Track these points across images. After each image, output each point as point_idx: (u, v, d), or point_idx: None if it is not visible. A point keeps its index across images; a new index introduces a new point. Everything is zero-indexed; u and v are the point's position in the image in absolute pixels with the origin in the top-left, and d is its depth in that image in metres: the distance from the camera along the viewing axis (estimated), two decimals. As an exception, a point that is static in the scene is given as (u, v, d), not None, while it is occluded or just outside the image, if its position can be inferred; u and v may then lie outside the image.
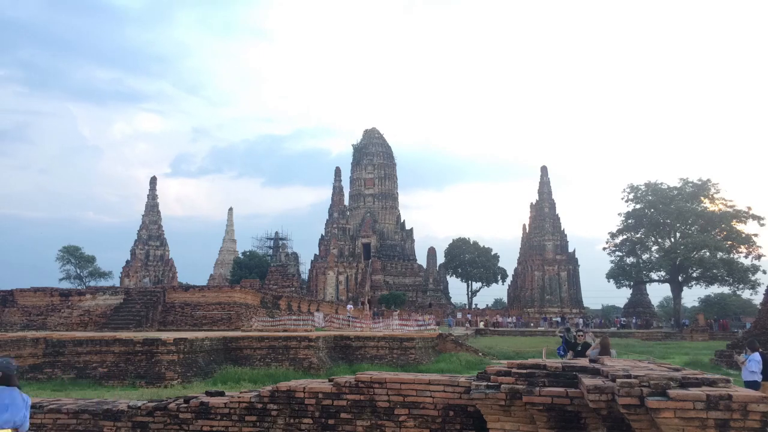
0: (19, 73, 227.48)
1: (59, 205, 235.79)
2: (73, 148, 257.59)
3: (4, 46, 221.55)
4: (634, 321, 64.69)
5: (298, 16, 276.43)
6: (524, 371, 5.25)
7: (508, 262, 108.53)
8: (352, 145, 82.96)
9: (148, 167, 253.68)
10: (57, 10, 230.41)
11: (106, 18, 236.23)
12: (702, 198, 62.49)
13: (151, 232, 75.19)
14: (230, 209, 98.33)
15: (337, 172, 75.58)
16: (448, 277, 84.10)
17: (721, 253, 57.94)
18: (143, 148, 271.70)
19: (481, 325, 55.33)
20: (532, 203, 75.50)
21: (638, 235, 65.20)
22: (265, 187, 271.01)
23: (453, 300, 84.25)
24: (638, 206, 64.85)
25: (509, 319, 64.46)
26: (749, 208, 60.47)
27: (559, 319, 60.83)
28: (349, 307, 39.22)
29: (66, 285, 72.22)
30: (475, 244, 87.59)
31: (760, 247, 59.07)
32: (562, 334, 16.84)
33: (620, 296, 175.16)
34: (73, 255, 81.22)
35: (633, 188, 65.67)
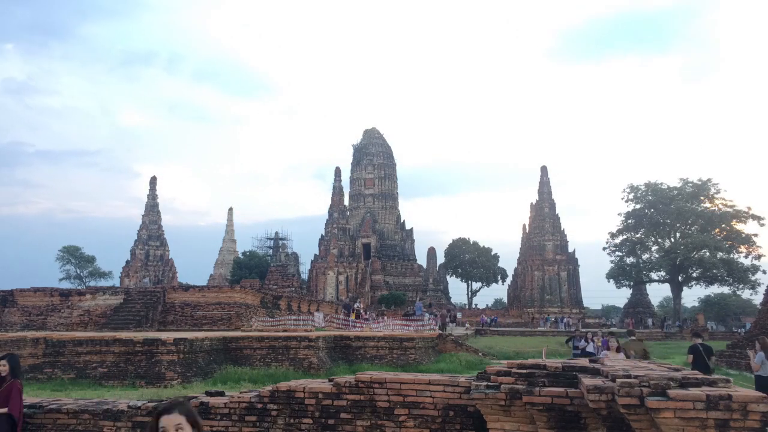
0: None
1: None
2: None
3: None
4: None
5: (298, 17, 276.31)
6: (524, 371, 5.24)
7: (508, 262, 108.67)
8: (352, 145, 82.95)
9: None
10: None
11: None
12: (702, 198, 62.47)
13: (151, 232, 75.14)
14: (230, 209, 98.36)
15: (337, 172, 75.57)
16: (448, 277, 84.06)
17: (721, 253, 57.94)
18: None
19: (466, 326, 54.71)
20: (532, 203, 75.47)
21: (638, 235, 65.20)
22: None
23: (453, 300, 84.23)
24: (638, 206, 64.85)
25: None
26: (749, 208, 60.50)
27: (553, 319, 60.88)
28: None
29: (66, 285, 72.33)
30: (475, 244, 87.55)
31: (760, 247, 59.13)
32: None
33: (620, 296, 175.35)
34: (73, 255, 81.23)
35: (633, 188, 65.66)
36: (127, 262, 73.74)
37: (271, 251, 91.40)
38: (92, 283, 76.96)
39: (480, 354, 24.77)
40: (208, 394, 6.81)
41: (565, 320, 60.54)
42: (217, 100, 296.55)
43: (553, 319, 60.11)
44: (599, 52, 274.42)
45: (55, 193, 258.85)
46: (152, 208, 76.04)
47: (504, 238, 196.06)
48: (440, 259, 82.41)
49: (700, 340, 12.76)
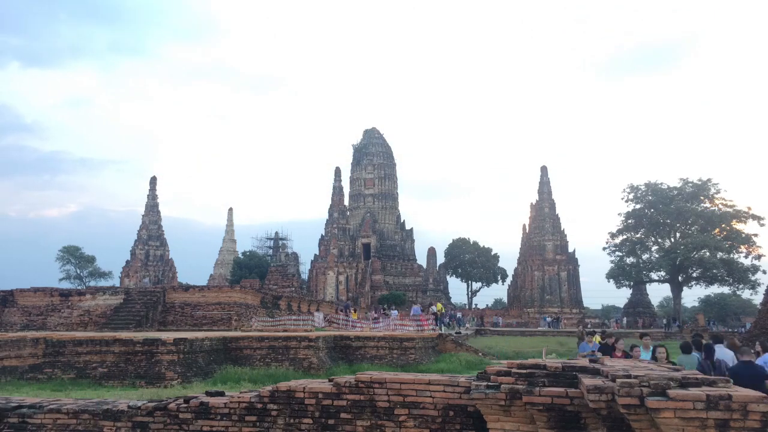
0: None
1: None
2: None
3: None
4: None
5: (298, 16, 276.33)
6: (524, 371, 5.24)
7: (508, 262, 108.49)
8: (352, 145, 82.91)
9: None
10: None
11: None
12: (702, 198, 62.44)
13: (151, 232, 75.15)
14: (230, 209, 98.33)
15: (337, 172, 75.57)
16: (448, 277, 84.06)
17: (721, 253, 57.91)
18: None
19: (466, 325, 54.80)
20: (532, 203, 75.48)
21: (638, 235, 65.17)
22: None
23: (453, 300, 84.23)
24: (638, 206, 64.83)
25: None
26: (749, 208, 60.47)
27: (549, 319, 60.96)
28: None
29: (66, 285, 72.26)
30: (475, 244, 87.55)
31: (760, 247, 59.09)
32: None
33: (620, 296, 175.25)
34: (73, 255, 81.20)
35: (633, 188, 65.65)
36: (127, 262, 73.74)
37: (271, 251, 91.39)
38: (92, 283, 76.94)
39: (480, 354, 24.79)
40: (208, 394, 6.80)
41: (561, 320, 60.75)
42: (217, 99, 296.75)
43: (549, 319, 60.24)
44: (599, 52, 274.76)
45: (89, 196, 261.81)
46: (152, 208, 76.05)
47: (504, 238, 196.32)
48: (440, 259, 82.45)
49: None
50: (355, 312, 36.00)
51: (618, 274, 64.29)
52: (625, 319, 68.69)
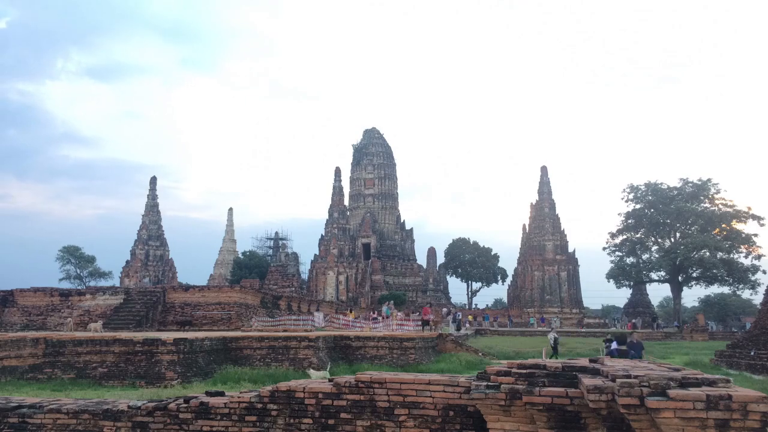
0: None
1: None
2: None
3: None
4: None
5: (298, 16, 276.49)
6: (524, 371, 5.24)
7: (508, 262, 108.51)
8: (352, 145, 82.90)
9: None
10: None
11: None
12: (702, 198, 62.44)
13: (151, 232, 75.15)
14: (230, 209, 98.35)
15: (337, 172, 75.57)
16: (448, 277, 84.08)
17: (721, 253, 57.90)
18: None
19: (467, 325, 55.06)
20: (532, 203, 75.48)
21: (638, 235, 65.15)
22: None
23: (453, 300, 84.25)
24: (638, 206, 64.81)
25: (512, 319, 64.25)
26: (749, 208, 60.44)
27: (545, 319, 61.02)
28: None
29: (66, 285, 72.29)
30: (475, 244, 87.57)
31: (760, 247, 59.04)
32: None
33: (620, 296, 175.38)
34: (73, 255, 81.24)
35: (633, 188, 65.64)
36: (127, 262, 73.73)
37: (271, 251, 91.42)
38: (92, 283, 76.97)
39: (480, 354, 24.78)
40: (208, 394, 6.80)
41: (555, 320, 60.94)
42: (217, 98, 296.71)
43: (533, 321, 60.52)
44: (598, 52, 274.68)
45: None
46: (152, 208, 76.06)
47: (504, 238, 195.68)
48: (440, 259, 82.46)
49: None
50: (351, 312, 36.06)
51: (618, 274, 64.26)
52: (626, 319, 68.73)
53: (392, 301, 51.99)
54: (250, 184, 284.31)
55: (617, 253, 65.66)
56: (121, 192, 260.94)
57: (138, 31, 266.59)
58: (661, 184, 64.89)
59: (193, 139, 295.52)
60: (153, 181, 77.48)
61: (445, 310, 54.73)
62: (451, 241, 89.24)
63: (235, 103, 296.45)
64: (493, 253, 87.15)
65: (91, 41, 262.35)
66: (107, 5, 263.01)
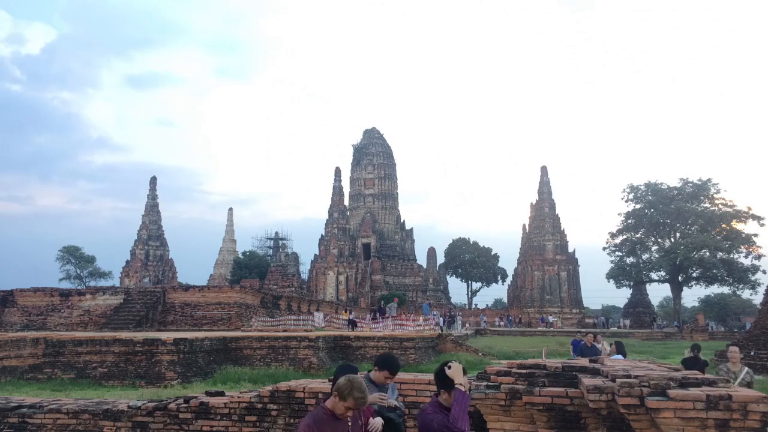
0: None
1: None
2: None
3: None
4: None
5: (298, 16, 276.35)
6: (524, 371, 5.24)
7: (508, 262, 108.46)
8: (352, 145, 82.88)
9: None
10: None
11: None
12: (702, 198, 62.43)
13: (151, 232, 75.10)
14: (230, 209, 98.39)
15: (337, 172, 75.54)
16: (448, 277, 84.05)
17: (721, 253, 57.90)
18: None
19: (466, 325, 55.34)
20: (532, 203, 75.46)
21: (638, 235, 65.16)
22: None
23: (453, 300, 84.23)
24: (638, 206, 64.81)
25: (513, 318, 64.32)
26: (749, 208, 60.45)
27: (549, 318, 61.10)
28: (390, 306, 38.72)
29: (66, 285, 72.30)
30: (475, 244, 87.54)
31: (760, 247, 59.05)
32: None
33: (620, 296, 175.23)
34: (73, 255, 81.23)
35: (633, 188, 65.64)
36: (127, 262, 73.69)
37: (271, 251, 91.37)
38: (92, 283, 76.97)
39: (480, 354, 24.76)
40: (208, 394, 6.80)
41: (552, 320, 61.20)
42: (216, 98, 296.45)
43: (551, 319, 60.64)
44: (599, 52, 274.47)
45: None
46: (152, 208, 76.03)
47: (504, 238, 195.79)
48: (440, 259, 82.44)
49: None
50: (346, 312, 36.12)
51: (618, 274, 64.27)
52: (627, 320, 68.74)
53: (389, 303, 51.87)
54: (250, 183, 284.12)
55: (617, 253, 65.68)
56: (141, 194, 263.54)
57: (180, 44, 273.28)
58: (661, 184, 64.90)
59: (214, 142, 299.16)
60: (153, 181, 77.46)
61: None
62: (451, 241, 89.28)
63: (234, 105, 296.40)
64: (493, 253, 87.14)
65: (134, 53, 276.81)
66: (154, 20, 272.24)
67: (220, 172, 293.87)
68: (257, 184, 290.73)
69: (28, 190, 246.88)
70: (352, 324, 30.53)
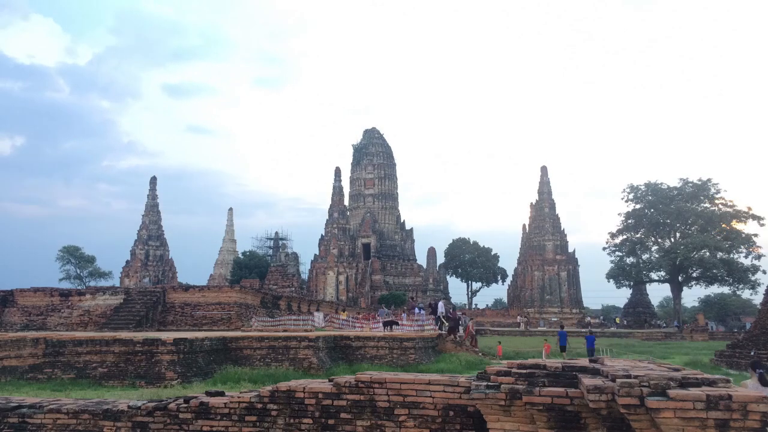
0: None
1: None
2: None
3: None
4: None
5: (298, 16, 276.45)
6: (524, 371, 5.24)
7: (508, 262, 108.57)
8: (352, 145, 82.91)
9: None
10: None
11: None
12: (702, 198, 62.47)
13: (151, 232, 75.11)
14: (230, 209, 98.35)
15: (337, 172, 75.54)
16: (448, 277, 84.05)
17: (721, 253, 57.93)
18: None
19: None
20: (532, 203, 75.48)
21: (638, 235, 65.21)
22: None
23: (453, 300, 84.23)
24: (638, 206, 64.86)
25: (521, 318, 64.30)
26: (749, 208, 60.51)
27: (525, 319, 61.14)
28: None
29: (66, 285, 72.25)
30: (475, 244, 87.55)
31: (760, 247, 59.09)
32: None
33: (620, 296, 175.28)
34: (73, 255, 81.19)
35: (633, 188, 65.67)
36: (127, 262, 73.69)
37: (271, 251, 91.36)
38: (92, 283, 76.92)
39: (480, 354, 24.76)
40: (208, 394, 6.80)
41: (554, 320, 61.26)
42: (216, 98, 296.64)
43: (525, 319, 61.01)
44: (599, 52, 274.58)
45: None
46: (152, 208, 76.03)
47: (504, 238, 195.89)
48: (440, 259, 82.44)
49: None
50: (344, 312, 36.07)
51: (618, 274, 64.30)
52: (626, 319, 68.80)
53: (384, 305, 51.90)
54: (250, 183, 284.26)
55: (617, 253, 65.72)
56: (161, 197, 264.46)
57: (220, 56, 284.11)
58: (661, 184, 64.94)
59: (237, 146, 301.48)
60: (153, 181, 77.48)
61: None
62: (451, 241, 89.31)
63: (235, 105, 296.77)
64: (493, 253, 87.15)
65: (174, 64, 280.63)
66: (197, 33, 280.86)
67: (232, 174, 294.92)
68: (257, 184, 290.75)
69: (51, 193, 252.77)
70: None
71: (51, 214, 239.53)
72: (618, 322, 66.49)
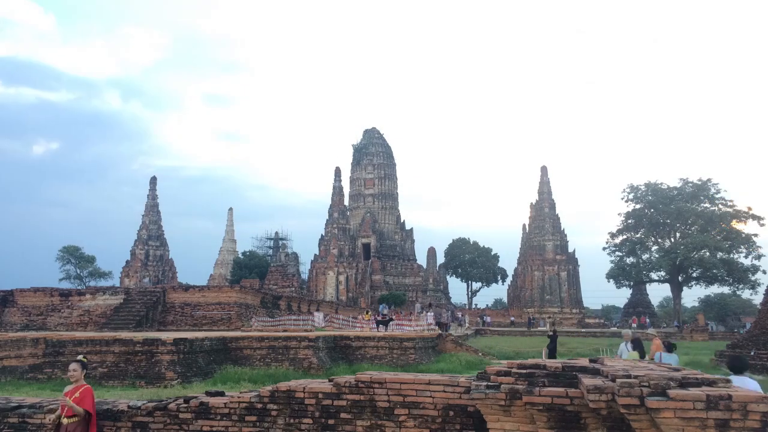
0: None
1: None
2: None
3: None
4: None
5: (298, 16, 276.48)
6: (524, 371, 5.24)
7: (508, 262, 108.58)
8: (352, 145, 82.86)
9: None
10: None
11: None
12: (702, 198, 62.46)
13: (151, 232, 75.11)
14: (230, 209, 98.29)
15: (337, 172, 75.52)
16: (448, 277, 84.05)
17: (721, 253, 57.92)
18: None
19: (466, 325, 55.60)
20: (532, 203, 75.49)
21: (638, 235, 65.19)
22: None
23: (453, 300, 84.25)
24: (638, 206, 64.85)
25: (531, 317, 64.33)
26: (749, 208, 60.50)
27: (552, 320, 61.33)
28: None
29: (66, 285, 72.21)
30: (475, 244, 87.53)
31: (760, 247, 59.05)
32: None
33: (620, 296, 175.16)
34: (73, 255, 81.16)
35: (633, 188, 65.66)
36: (127, 262, 73.68)
37: (271, 251, 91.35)
38: (92, 283, 76.89)
39: (480, 354, 24.77)
40: (208, 394, 6.80)
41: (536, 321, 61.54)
42: (216, 98, 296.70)
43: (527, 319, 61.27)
44: (599, 52, 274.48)
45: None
46: (152, 208, 76.03)
47: (504, 238, 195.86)
48: (440, 259, 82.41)
49: None
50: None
51: (618, 274, 64.29)
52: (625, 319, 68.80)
53: (383, 304, 52.01)
54: (250, 183, 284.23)
55: (617, 253, 65.70)
56: (176, 198, 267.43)
57: (265, 69, 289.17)
58: (661, 184, 64.94)
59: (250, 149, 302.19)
60: (153, 181, 77.49)
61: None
62: (451, 241, 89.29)
63: (235, 105, 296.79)
64: (493, 253, 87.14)
65: (217, 76, 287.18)
66: (243, 47, 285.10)
67: (232, 174, 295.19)
68: (257, 184, 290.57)
69: (78, 196, 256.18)
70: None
71: (74, 218, 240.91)
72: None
